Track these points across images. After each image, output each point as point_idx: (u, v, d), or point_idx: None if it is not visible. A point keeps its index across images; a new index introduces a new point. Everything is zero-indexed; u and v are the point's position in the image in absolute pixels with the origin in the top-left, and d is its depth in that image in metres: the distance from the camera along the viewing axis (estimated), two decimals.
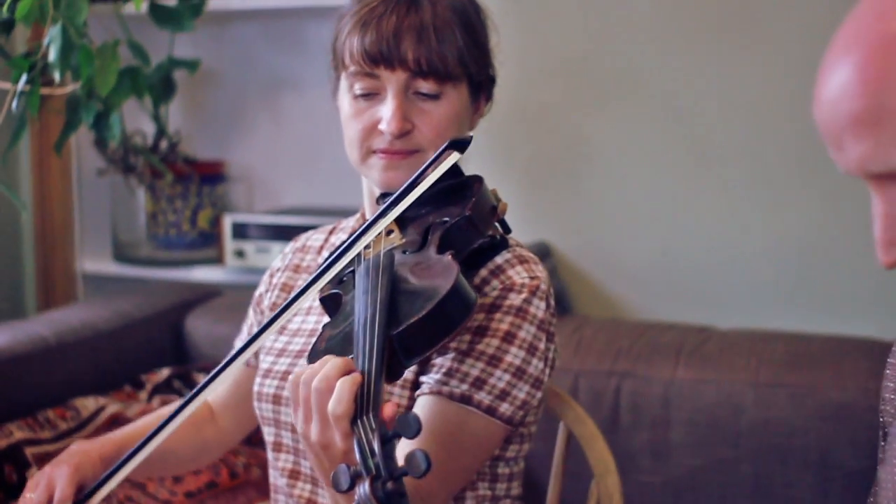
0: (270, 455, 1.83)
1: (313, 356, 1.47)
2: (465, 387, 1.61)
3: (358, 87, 1.70)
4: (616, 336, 2.84)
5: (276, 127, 3.80)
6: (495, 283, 1.67)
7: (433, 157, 1.63)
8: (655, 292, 3.18)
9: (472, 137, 1.63)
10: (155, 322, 3.24)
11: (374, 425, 1.28)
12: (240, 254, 3.52)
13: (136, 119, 3.65)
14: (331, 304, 1.61)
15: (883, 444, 1.41)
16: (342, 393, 1.34)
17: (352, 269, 1.58)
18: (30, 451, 2.58)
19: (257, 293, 2.00)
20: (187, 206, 3.68)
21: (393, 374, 1.42)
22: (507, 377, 1.61)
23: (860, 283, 3.00)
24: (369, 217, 1.80)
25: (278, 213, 3.58)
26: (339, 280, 1.61)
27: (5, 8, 2.44)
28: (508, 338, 1.63)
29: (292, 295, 1.55)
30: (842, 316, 2.99)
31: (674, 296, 3.16)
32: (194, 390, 1.55)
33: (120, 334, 3.11)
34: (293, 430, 1.77)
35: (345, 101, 1.74)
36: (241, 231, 3.53)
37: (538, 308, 1.65)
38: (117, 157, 3.62)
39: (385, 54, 1.66)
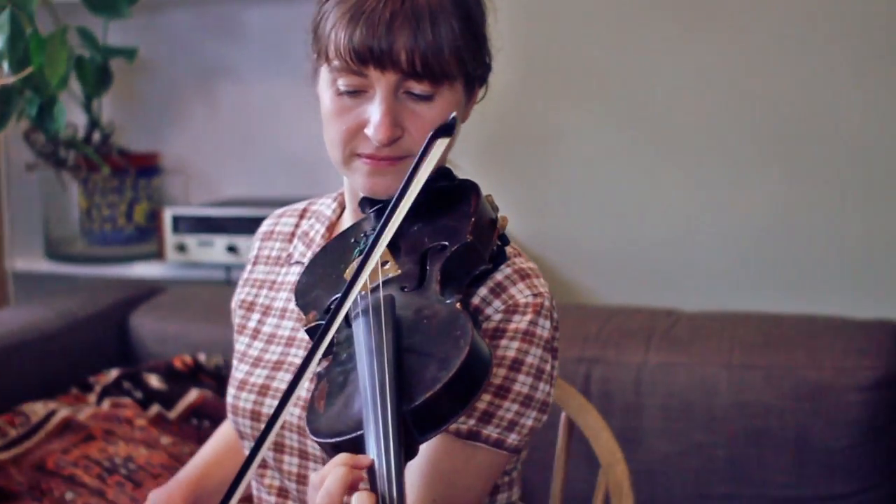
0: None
1: (314, 420, 1.32)
2: (471, 422, 1.50)
3: (342, 84, 1.51)
4: (583, 322, 2.78)
5: (212, 116, 3.69)
6: (497, 303, 1.54)
7: (418, 154, 1.45)
8: (618, 277, 3.14)
9: (455, 118, 1.47)
10: (99, 321, 3.12)
11: None
12: (181, 248, 3.41)
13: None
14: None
15: None
16: None
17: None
18: None
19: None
20: (123, 201, 3.55)
21: (409, 455, 1.25)
22: (515, 407, 1.51)
23: (823, 262, 2.99)
24: (349, 215, 1.69)
25: (221, 206, 3.47)
26: (325, 310, 1.45)
27: None
28: (516, 365, 1.51)
29: (312, 347, 1.38)
30: (806, 296, 2.97)
31: (636, 280, 3.12)
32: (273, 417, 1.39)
33: (64, 335, 2.99)
34: (277, 450, 1.67)
35: (326, 96, 1.54)
36: (181, 225, 3.41)
37: (544, 328, 1.54)
38: (47, 151, 3.49)
39: (376, 53, 1.46)
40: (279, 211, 1.84)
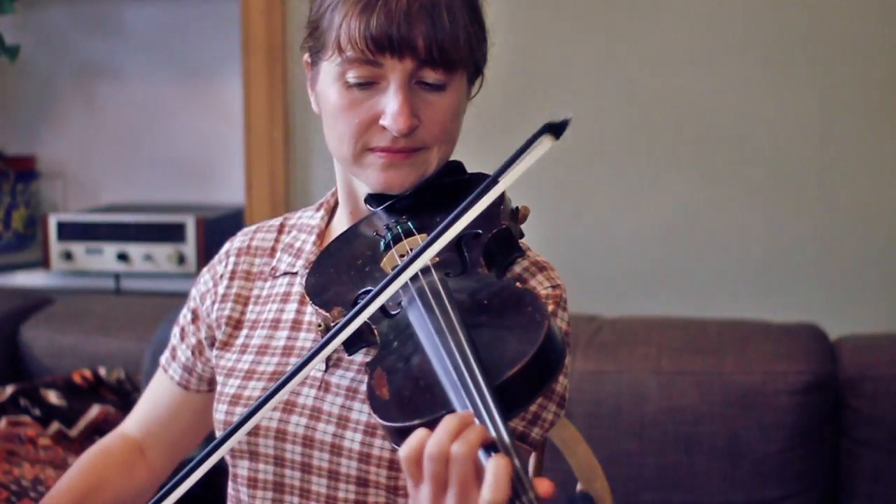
0: (243, 490, 1.60)
1: (381, 407, 1.26)
2: None
3: (352, 76, 1.47)
4: None
5: (91, 118, 3.56)
6: None
7: (525, 142, 1.38)
8: None
9: (569, 119, 1.40)
10: None
11: None
12: (67, 256, 3.25)
13: None
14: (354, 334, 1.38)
15: None
16: (499, 477, 1.13)
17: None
18: None
19: (193, 301, 1.76)
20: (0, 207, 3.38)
21: None
22: (538, 401, 1.47)
23: (735, 266, 3.00)
24: (344, 217, 1.62)
25: (110, 211, 3.34)
26: (353, 303, 1.41)
27: None
28: None
29: (330, 334, 1.33)
30: (720, 300, 2.98)
31: None
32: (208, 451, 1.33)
33: None
34: (276, 464, 1.55)
35: (332, 91, 1.50)
36: (67, 232, 3.26)
37: (563, 320, 1.53)
38: None
39: (395, 40, 1.43)
40: (249, 228, 1.76)
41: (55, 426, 2.68)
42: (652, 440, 2.58)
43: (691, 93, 2.99)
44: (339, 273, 1.48)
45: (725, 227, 3.00)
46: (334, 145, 1.53)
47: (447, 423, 1.18)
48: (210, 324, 1.70)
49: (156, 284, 3.30)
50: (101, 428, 2.73)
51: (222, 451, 1.35)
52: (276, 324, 1.62)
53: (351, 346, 1.40)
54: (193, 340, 1.73)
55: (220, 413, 1.60)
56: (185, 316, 1.75)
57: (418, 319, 1.30)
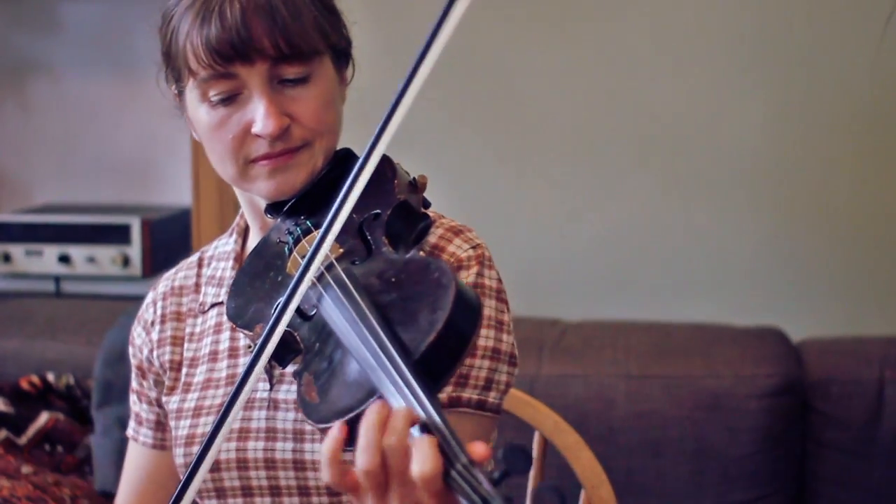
0: None
1: (313, 411, 1.22)
2: (448, 389, 1.44)
3: (213, 94, 1.45)
4: None
5: (24, 116, 3.47)
6: None
7: (390, 107, 1.34)
8: None
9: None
10: None
11: (473, 473, 1.09)
12: (5, 258, 3.17)
13: None
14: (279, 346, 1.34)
15: None
16: (425, 449, 1.10)
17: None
18: None
19: (135, 359, 1.68)
20: None
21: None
22: (486, 363, 1.46)
23: (695, 269, 3.01)
24: (254, 235, 1.59)
25: (50, 212, 3.27)
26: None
27: None
28: None
29: (253, 353, 1.27)
30: (685, 303, 2.98)
31: (513, 289, 3.06)
32: None
33: None
34: (244, 494, 1.52)
35: (201, 114, 1.48)
36: (6, 233, 3.18)
37: (491, 278, 1.51)
38: None
39: (237, 47, 1.41)
40: (169, 272, 1.71)
41: (2, 434, 2.60)
42: (620, 444, 2.57)
43: (652, 98, 2.99)
44: (255, 290, 1.46)
45: (685, 230, 3.00)
46: (219, 167, 1.51)
47: (368, 418, 1.15)
48: (157, 372, 1.66)
49: (99, 287, 3.22)
50: (50, 436, 2.65)
51: (190, 495, 1.28)
52: (214, 356, 1.59)
53: (281, 359, 1.35)
54: (152, 395, 1.67)
55: (179, 457, 1.57)
56: (133, 379, 1.70)
57: (332, 315, 1.28)
